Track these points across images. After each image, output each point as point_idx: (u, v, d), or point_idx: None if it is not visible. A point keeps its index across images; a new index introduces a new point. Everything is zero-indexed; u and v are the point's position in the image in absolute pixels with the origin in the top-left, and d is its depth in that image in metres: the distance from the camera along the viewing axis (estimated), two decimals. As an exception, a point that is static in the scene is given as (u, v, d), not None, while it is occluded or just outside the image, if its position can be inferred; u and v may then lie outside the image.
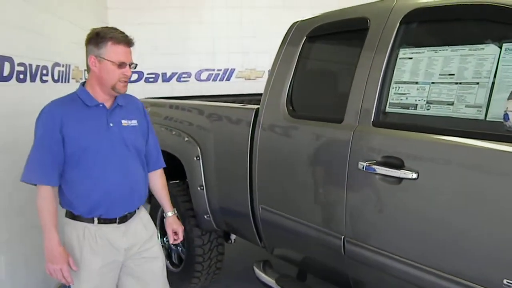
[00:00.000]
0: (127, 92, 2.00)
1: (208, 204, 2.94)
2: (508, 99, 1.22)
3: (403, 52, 1.87)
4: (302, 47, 2.42)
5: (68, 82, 3.87)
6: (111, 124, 1.90)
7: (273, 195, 2.47)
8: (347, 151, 1.95)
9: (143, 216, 2.10)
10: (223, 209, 2.89)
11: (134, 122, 1.97)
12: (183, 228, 2.26)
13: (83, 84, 1.95)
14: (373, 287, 2.09)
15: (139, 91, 5.48)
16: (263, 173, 2.50)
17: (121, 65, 1.84)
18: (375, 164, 1.82)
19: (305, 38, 2.41)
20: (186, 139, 3.09)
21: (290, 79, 2.41)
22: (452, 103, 1.66)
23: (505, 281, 1.43)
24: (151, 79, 5.91)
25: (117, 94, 1.91)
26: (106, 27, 1.91)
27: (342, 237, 2.01)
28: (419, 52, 1.81)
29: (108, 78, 1.85)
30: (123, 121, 1.94)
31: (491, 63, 1.56)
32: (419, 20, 1.90)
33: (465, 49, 1.66)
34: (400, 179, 1.73)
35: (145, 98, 4.24)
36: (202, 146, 2.96)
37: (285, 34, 2.57)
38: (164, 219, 2.25)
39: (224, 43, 5.99)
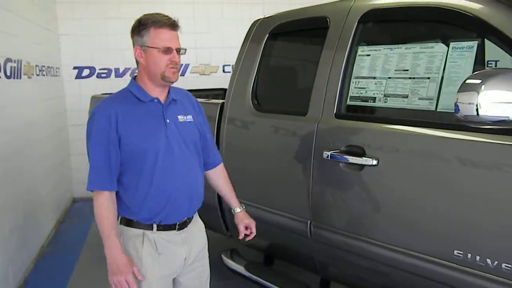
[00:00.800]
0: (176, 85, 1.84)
1: (173, 197, 3.00)
2: (458, 92, 1.40)
3: (362, 50, 2.04)
4: (265, 44, 2.54)
5: (20, 78, 3.76)
6: (168, 121, 1.74)
7: (241, 186, 2.55)
8: (312, 142, 2.10)
9: (199, 221, 1.95)
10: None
11: (189, 117, 1.82)
12: (255, 222, 2.05)
13: (134, 78, 1.80)
14: (337, 267, 2.26)
15: (91, 87, 5.46)
16: (230, 165, 2.59)
17: (167, 50, 1.68)
18: (338, 153, 1.98)
19: (267, 35, 2.53)
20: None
21: (255, 75, 2.53)
22: (406, 96, 1.85)
23: (455, 252, 1.64)
24: (103, 75, 5.79)
25: (168, 84, 1.75)
26: (149, 13, 1.74)
27: (308, 221, 2.16)
28: (376, 50, 1.99)
29: (156, 68, 1.69)
30: (179, 117, 1.79)
31: (440, 60, 1.76)
32: (375, 20, 2.07)
33: (417, 47, 1.85)
34: (362, 166, 1.90)
35: (102, 94, 4.20)
36: (166, 141, 3.01)
37: (248, 31, 2.68)
38: (235, 215, 2.05)
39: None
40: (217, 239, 3.23)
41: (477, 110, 1.35)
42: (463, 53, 1.69)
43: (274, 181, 2.35)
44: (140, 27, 1.71)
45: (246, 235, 2.05)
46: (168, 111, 1.75)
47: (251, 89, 2.52)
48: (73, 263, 3.89)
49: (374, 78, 1.96)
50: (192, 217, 1.86)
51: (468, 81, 1.38)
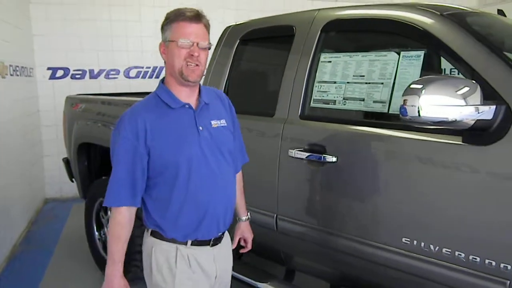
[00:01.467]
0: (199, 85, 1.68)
1: (147, 195, 3.10)
2: (403, 95, 1.58)
3: (324, 56, 2.22)
4: (236, 49, 2.69)
5: (-6, 78, 3.80)
6: (201, 128, 1.60)
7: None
8: (278, 141, 2.26)
9: (227, 238, 1.80)
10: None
11: (223, 122, 1.68)
12: (253, 236, 1.97)
13: (162, 80, 1.66)
14: (301, 258, 2.42)
15: (65, 87, 5.48)
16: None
17: (185, 44, 1.54)
18: (302, 151, 2.14)
19: (238, 41, 2.69)
20: (124, 134, 3.22)
21: (226, 78, 2.68)
22: (363, 99, 2.04)
23: (403, 240, 1.83)
24: (77, 76, 5.83)
25: (189, 84, 1.59)
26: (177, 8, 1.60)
27: (275, 215, 2.32)
28: (337, 57, 2.17)
29: (174, 63, 1.55)
30: (212, 122, 1.64)
31: (392, 67, 1.95)
32: (336, 30, 2.26)
33: (372, 55, 2.04)
34: (323, 163, 2.07)
35: (77, 94, 4.26)
36: (141, 140, 3.11)
37: (220, 37, 2.83)
38: (236, 224, 1.94)
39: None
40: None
41: (418, 112, 1.53)
42: (411, 61, 1.89)
43: (245, 178, 2.49)
44: (165, 21, 1.59)
45: (239, 247, 1.93)
46: (200, 117, 1.61)
47: (222, 91, 2.66)
48: (46, 262, 3.93)
49: (335, 82, 2.14)
50: (225, 232, 1.75)
51: (411, 86, 1.56)
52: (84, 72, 5.85)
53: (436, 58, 1.89)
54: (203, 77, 2.83)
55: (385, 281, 1.98)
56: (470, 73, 1.68)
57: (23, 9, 5.32)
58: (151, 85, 5.93)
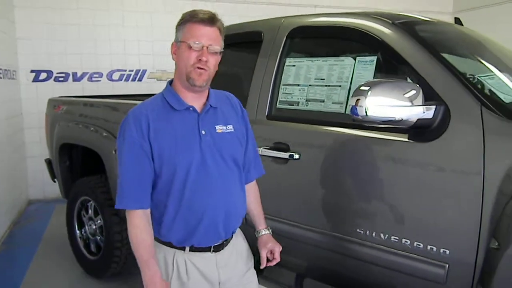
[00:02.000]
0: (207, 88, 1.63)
1: (126, 193, 3.21)
2: (352, 96, 1.74)
3: (289, 61, 2.37)
4: (209, 53, 2.83)
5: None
6: (203, 132, 1.56)
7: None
8: (247, 140, 2.41)
9: (239, 243, 1.75)
10: (140, 197, 3.19)
11: (230, 128, 1.62)
12: (281, 247, 1.82)
13: (170, 82, 1.63)
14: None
15: (48, 90, 5.57)
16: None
17: (195, 46, 1.50)
18: (269, 149, 2.29)
19: (211, 46, 2.83)
20: (104, 134, 3.34)
21: (200, 81, 2.81)
22: (323, 101, 2.20)
23: (357, 230, 1.99)
24: (61, 79, 5.91)
25: (195, 89, 1.55)
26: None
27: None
28: (300, 61, 2.33)
29: (182, 65, 1.53)
30: (217, 127, 1.59)
31: (349, 71, 2.12)
32: (300, 36, 2.42)
33: (331, 60, 2.20)
34: (287, 160, 2.22)
35: (60, 97, 4.36)
36: (120, 141, 3.23)
37: (195, 42, 2.97)
38: (257, 240, 1.83)
39: (135, 45, 6.20)
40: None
41: (366, 111, 1.69)
42: (366, 66, 2.05)
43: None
44: (179, 22, 1.57)
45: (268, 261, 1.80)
46: (204, 121, 1.57)
47: (235, 96, 2.80)
48: (28, 261, 4.00)
49: (298, 85, 2.30)
50: (230, 239, 1.68)
51: (360, 88, 1.72)
52: (67, 75, 5.94)
53: (388, 62, 2.06)
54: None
55: (343, 269, 2.13)
56: (415, 76, 1.85)
57: (7, 13, 5.40)
58: (134, 88, 6.06)
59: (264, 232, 1.82)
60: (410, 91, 1.71)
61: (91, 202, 3.62)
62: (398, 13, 2.25)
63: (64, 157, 3.95)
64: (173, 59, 1.58)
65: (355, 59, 2.10)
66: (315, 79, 2.24)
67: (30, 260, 4.01)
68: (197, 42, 1.50)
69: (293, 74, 2.33)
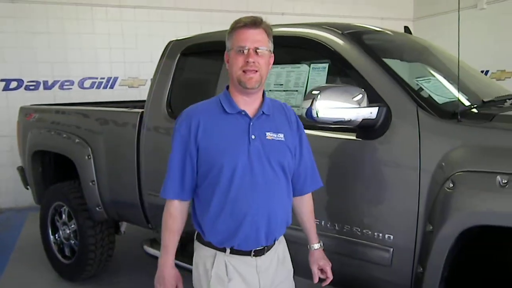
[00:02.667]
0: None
1: (100, 197, 3.33)
2: (304, 99, 1.92)
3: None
4: (177, 61, 2.99)
5: None
6: (253, 137, 1.58)
7: (158, 182, 2.97)
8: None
9: (281, 250, 1.76)
10: (114, 201, 3.31)
11: (280, 136, 1.63)
12: (331, 264, 1.84)
13: (228, 87, 1.68)
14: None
15: (19, 98, 5.60)
16: (150, 166, 3.01)
17: (241, 50, 1.55)
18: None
19: (179, 54, 2.99)
20: (77, 140, 3.44)
21: (169, 87, 2.97)
22: (282, 104, 2.38)
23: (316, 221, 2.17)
24: (31, 87, 5.95)
25: (248, 92, 1.59)
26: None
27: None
28: (261, 68, 2.51)
29: (232, 70, 1.59)
30: (267, 134, 1.61)
31: (304, 77, 2.31)
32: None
33: (289, 67, 2.39)
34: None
35: (31, 105, 4.42)
36: (93, 147, 3.35)
37: (164, 50, 3.13)
38: (309, 253, 1.86)
39: (106, 53, 6.28)
40: (141, 232, 3.62)
41: (316, 113, 1.87)
42: (319, 72, 2.26)
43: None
44: (228, 32, 1.63)
45: (321, 280, 1.83)
46: (255, 126, 1.60)
47: (166, 99, 2.96)
48: (1, 269, 4.02)
49: (260, 90, 2.48)
50: (271, 246, 1.69)
51: (311, 92, 1.91)
52: (38, 83, 5.98)
53: (338, 69, 2.26)
54: (149, 86, 3.14)
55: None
56: (361, 81, 2.06)
57: (-24, 22, 5.42)
58: (106, 95, 6.13)
59: (316, 246, 1.84)
60: (357, 94, 1.91)
61: (65, 207, 3.71)
62: (348, 23, 2.46)
63: (37, 164, 4.02)
64: (227, 68, 1.65)
65: (309, 66, 2.30)
66: (274, 84, 2.43)
67: (4, 268, 4.05)
68: (243, 46, 1.55)
69: (254, 80, 2.51)
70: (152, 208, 3.04)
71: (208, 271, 1.63)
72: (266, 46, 1.59)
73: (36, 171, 4.04)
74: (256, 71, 1.55)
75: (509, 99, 2.30)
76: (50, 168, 4.06)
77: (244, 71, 1.55)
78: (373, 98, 1.98)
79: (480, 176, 1.64)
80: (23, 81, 5.90)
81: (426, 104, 1.93)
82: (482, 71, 6.84)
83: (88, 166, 3.35)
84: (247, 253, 1.63)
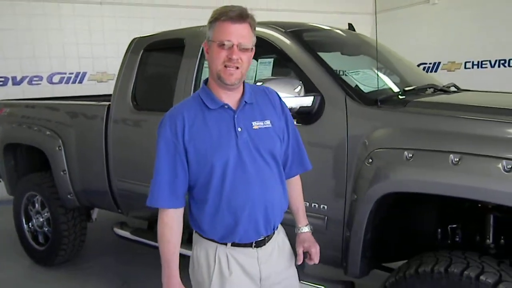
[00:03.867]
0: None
1: (71, 185, 3.55)
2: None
3: (206, 63, 2.80)
4: (141, 57, 3.23)
5: None
6: (239, 129, 1.54)
7: (126, 169, 3.23)
8: (174, 130, 2.84)
9: (280, 238, 1.75)
10: (85, 188, 3.54)
11: (267, 123, 1.60)
12: (318, 247, 1.81)
13: (206, 81, 1.62)
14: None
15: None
16: (117, 154, 3.25)
17: (224, 45, 1.48)
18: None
19: (143, 50, 3.23)
20: (47, 133, 3.64)
21: (133, 81, 3.21)
22: (235, 95, 2.66)
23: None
24: (0, 83, 6.04)
25: (227, 87, 1.55)
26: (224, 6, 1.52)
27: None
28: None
29: (213, 65, 1.52)
30: (254, 123, 1.57)
31: (253, 71, 2.60)
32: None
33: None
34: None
35: (1, 100, 4.56)
36: (64, 138, 3.56)
37: (128, 47, 3.36)
38: (297, 234, 1.83)
39: (74, 49, 6.42)
40: (112, 219, 3.86)
41: (259, 102, 2.16)
42: (265, 66, 2.55)
43: (150, 161, 3.04)
44: (209, 19, 1.54)
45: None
46: (240, 118, 1.56)
47: (130, 92, 3.20)
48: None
49: (214, 83, 2.76)
50: (272, 235, 1.68)
51: (256, 84, 2.19)
52: (6, 79, 6.08)
53: (281, 63, 2.56)
54: (115, 80, 3.36)
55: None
56: (299, 73, 2.37)
57: None
58: (75, 90, 6.28)
59: (304, 229, 1.81)
60: (296, 86, 2.22)
61: (38, 196, 3.91)
62: (291, 22, 2.76)
63: (9, 157, 4.19)
64: (206, 59, 1.60)
65: (257, 61, 2.59)
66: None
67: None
68: (226, 41, 1.47)
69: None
70: (122, 193, 3.28)
71: (210, 265, 1.61)
72: (250, 42, 1.54)
73: (9, 164, 4.21)
74: (238, 67, 1.50)
75: (430, 88, 2.65)
76: (22, 160, 4.24)
77: (225, 66, 1.49)
78: (310, 88, 2.28)
79: (392, 152, 1.98)
80: (-9, 77, 6.00)
81: (353, 93, 2.25)
82: (434, 63, 7.32)
83: (59, 156, 3.56)
84: (248, 245, 1.62)
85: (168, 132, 1.54)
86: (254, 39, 1.57)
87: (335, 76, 2.33)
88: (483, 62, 6.58)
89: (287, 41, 2.50)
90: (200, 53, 2.84)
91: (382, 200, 2.01)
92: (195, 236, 1.67)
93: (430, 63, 7.34)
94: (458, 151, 1.80)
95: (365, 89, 2.35)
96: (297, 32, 2.60)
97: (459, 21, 6.85)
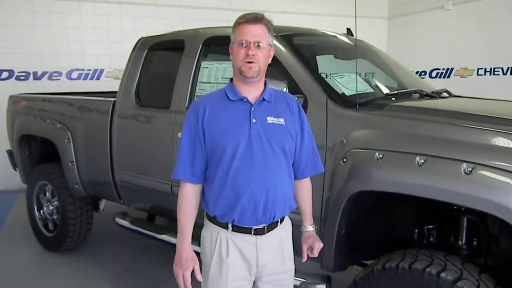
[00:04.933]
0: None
1: (78, 175, 3.76)
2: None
3: (204, 63, 2.97)
4: (145, 56, 3.41)
5: None
6: (254, 120, 1.73)
7: (128, 162, 3.40)
8: (172, 126, 2.99)
9: (283, 232, 1.87)
10: (90, 179, 3.73)
11: (281, 120, 1.77)
12: (323, 245, 1.95)
13: (231, 80, 1.83)
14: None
15: (10, 88, 5.98)
16: (120, 148, 3.43)
17: (242, 43, 1.70)
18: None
19: (147, 49, 3.41)
20: (58, 126, 3.85)
21: (137, 78, 3.39)
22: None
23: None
24: (22, 77, 6.34)
25: (248, 80, 1.74)
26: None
27: (170, 183, 3.04)
28: (211, 64, 2.94)
29: (235, 62, 1.74)
30: (268, 118, 1.75)
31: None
32: (212, 44, 3.02)
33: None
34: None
35: (20, 94, 4.82)
36: (73, 131, 3.76)
37: (134, 46, 3.54)
38: (302, 233, 1.97)
39: (92, 46, 6.68)
40: (118, 208, 4.03)
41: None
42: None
43: (149, 155, 3.21)
44: (233, 25, 1.77)
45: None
46: (256, 111, 1.75)
47: (134, 89, 3.37)
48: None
49: (210, 83, 2.90)
50: (273, 225, 1.81)
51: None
52: (28, 74, 6.37)
53: (271, 65, 2.67)
54: (121, 77, 3.54)
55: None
56: (286, 75, 2.49)
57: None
58: (92, 86, 6.53)
59: (309, 228, 1.96)
60: (282, 87, 2.33)
61: (48, 185, 4.14)
62: (285, 26, 2.88)
63: (24, 147, 4.44)
64: (231, 60, 1.79)
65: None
66: (222, 77, 2.84)
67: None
68: (244, 40, 1.70)
69: (206, 74, 2.93)
70: (124, 184, 3.46)
71: (212, 242, 1.79)
72: (266, 40, 1.73)
73: (23, 154, 4.46)
74: (255, 62, 1.69)
75: (415, 93, 2.73)
76: (36, 150, 4.48)
77: (245, 62, 1.69)
78: (295, 90, 2.40)
79: (365, 152, 2.08)
80: (13, 71, 6.29)
81: (334, 95, 2.37)
82: (447, 69, 7.29)
83: (68, 148, 3.77)
84: (247, 231, 1.76)
85: (192, 117, 1.78)
86: (270, 39, 1.77)
87: (319, 79, 2.44)
88: (496, 69, 6.54)
89: (277, 44, 2.62)
90: (198, 53, 2.99)
91: (359, 198, 2.11)
92: (205, 219, 1.85)
93: (443, 69, 7.33)
94: (424, 153, 1.89)
95: (348, 92, 2.45)
96: (287, 36, 2.72)
97: (472, 28, 6.83)
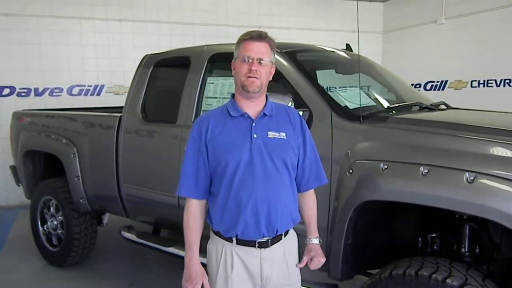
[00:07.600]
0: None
1: (83, 190, 3.80)
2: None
3: (209, 79, 3.06)
4: (151, 72, 3.49)
5: None
6: (255, 136, 1.75)
7: (134, 176, 3.46)
8: (179, 141, 3.06)
9: (288, 245, 1.89)
10: (96, 193, 3.78)
11: (282, 135, 1.79)
12: (325, 260, 1.98)
13: (233, 95, 1.86)
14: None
15: (11, 105, 6.04)
16: (126, 162, 3.49)
17: (246, 59, 1.74)
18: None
19: (153, 66, 3.49)
20: (64, 141, 3.91)
21: (143, 94, 3.47)
22: (233, 109, 2.88)
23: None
24: (23, 94, 6.40)
25: (250, 95, 1.77)
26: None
27: (177, 196, 3.09)
28: (217, 80, 3.02)
29: (237, 77, 1.78)
30: (269, 133, 1.78)
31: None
32: (217, 60, 3.11)
33: (239, 78, 2.89)
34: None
35: (23, 110, 4.88)
36: (78, 146, 3.82)
37: (140, 62, 3.63)
38: (306, 244, 1.99)
39: (93, 63, 6.76)
40: (122, 222, 4.07)
41: (252, 115, 2.37)
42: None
43: (156, 170, 3.27)
44: (237, 42, 1.81)
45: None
46: (257, 126, 1.77)
47: (140, 104, 3.45)
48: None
49: (216, 97, 2.99)
50: (277, 238, 1.83)
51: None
52: (29, 90, 6.44)
53: (276, 81, 2.75)
54: (127, 93, 3.61)
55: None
56: (292, 90, 2.57)
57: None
58: (93, 101, 6.60)
59: (313, 241, 1.98)
60: (288, 101, 2.41)
61: (53, 200, 4.17)
62: (288, 43, 2.98)
63: (28, 163, 4.48)
64: (233, 75, 1.84)
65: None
66: (227, 92, 2.93)
67: (-3, 256, 4.49)
68: (247, 56, 1.74)
69: (212, 89, 3.02)
70: (130, 198, 3.51)
71: (218, 259, 1.82)
72: (268, 58, 1.78)
73: (27, 169, 4.50)
74: (257, 77, 1.74)
75: (415, 105, 2.83)
76: (40, 166, 4.52)
77: (247, 77, 1.73)
78: (300, 104, 2.49)
79: (370, 163, 2.16)
80: (15, 88, 6.36)
81: (338, 109, 2.45)
82: (441, 81, 7.44)
83: (73, 163, 3.82)
84: (251, 244, 1.78)
85: (195, 134, 1.82)
86: (273, 57, 1.82)
87: (323, 93, 2.53)
88: (489, 81, 6.69)
89: (282, 61, 2.71)
90: (204, 69, 3.08)
91: (364, 208, 2.18)
92: (210, 232, 1.88)
93: (438, 81, 7.48)
94: (428, 163, 1.97)
95: (351, 105, 2.54)
96: (291, 53, 2.81)
97: (465, 41, 6.99)
